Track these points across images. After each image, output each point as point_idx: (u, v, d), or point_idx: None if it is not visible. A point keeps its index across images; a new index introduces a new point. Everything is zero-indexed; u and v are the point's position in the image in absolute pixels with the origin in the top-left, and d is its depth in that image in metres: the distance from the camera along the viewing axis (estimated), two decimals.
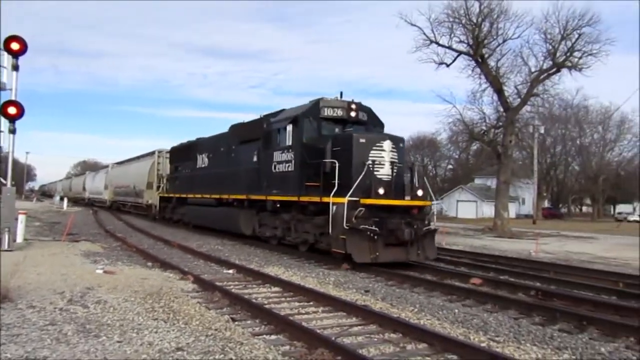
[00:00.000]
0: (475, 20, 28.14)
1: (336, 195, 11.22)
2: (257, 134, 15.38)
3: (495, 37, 28.50)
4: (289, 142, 13.48)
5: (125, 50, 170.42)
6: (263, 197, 14.61)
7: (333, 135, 12.92)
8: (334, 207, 11.27)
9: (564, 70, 28.11)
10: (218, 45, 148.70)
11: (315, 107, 13.36)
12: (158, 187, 27.47)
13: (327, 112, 13.29)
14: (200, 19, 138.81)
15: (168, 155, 26.76)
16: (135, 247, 14.52)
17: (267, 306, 7.35)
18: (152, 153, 31.03)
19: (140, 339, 5.44)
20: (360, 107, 13.74)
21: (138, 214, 32.70)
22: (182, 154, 23.60)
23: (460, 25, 28.51)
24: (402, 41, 55.07)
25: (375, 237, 10.89)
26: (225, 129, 23.65)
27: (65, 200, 47.97)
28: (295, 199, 12.92)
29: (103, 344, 5.27)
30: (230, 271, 10.87)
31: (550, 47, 28.04)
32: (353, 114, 13.45)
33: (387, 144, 11.97)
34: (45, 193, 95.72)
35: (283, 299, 8.18)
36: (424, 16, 29.52)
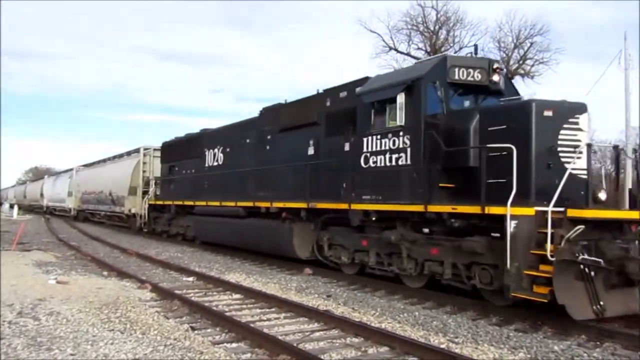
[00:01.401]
0: (432, 28, 28.93)
1: (516, 202, 7.01)
2: (311, 117, 11.40)
3: (451, 44, 29.38)
4: (400, 120, 8.74)
5: (80, 53, 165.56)
6: (344, 206, 9.91)
7: (485, 108, 8.79)
8: (514, 224, 7.00)
9: (517, 78, 29.18)
10: (178, 49, 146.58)
11: (440, 67, 8.93)
12: (144, 193, 22.03)
13: (459, 75, 8.94)
14: (160, 21, 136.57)
15: (158, 153, 22.26)
16: (90, 256, 14.07)
17: (228, 314, 7.26)
18: (136, 151, 25.58)
19: (95, 351, 5.26)
20: (501, 70, 9.42)
21: (114, 225, 27.20)
22: (179, 151, 18.82)
23: (418, 32, 29.25)
24: (363, 47, 55.90)
25: (593, 273, 6.70)
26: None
27: (16, 208, 45.80)
28: (418, 208, 8.40)
29: (55, 357, 5.08)
30: (190, 279, 10.68)
31: (504, 55, 29.09)
32: (496, 78, 9.08)
33: (583, 120, 7.69)
34: None
35: (244, 306, 8.09)
36: (383, 23, 30.03)
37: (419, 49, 29.67)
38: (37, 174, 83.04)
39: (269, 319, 7.17)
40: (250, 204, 13.15)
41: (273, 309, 7.76)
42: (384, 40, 29.35)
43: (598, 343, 6.21)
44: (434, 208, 8.18)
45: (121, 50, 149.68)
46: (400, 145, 8.92)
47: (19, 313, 6.84)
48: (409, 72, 9.61)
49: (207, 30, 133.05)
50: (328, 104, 11.08)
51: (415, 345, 5.66)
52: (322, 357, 5.34)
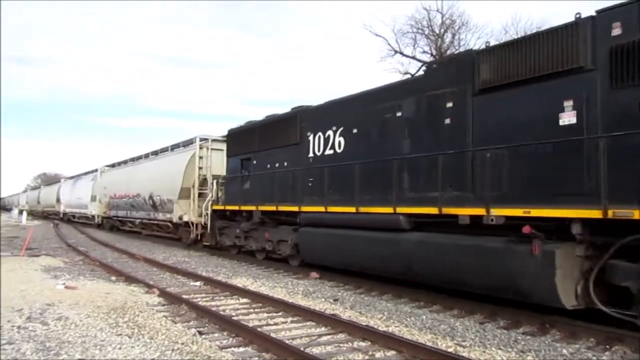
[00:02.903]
0: (437, 32, 28.93)
1: None
2: (569, 59, 6.91)
3: (457, 47, 29.31)
4: None
5: (85, 59, 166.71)
6: None
7: None
8: None
9: None
10: (183, 53, 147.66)
11: None
12: (200, 195, 17.79)
13: None
14: (165, 26, 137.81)
15: (217, 145, 18.13)
16: (98, 261, 14.14)
17: (235, 318, 7.28)
18: (188, 143, 20.51)
19: (103, 356, 5.29)
20: None
21: (152, 235, 22.97)
22: (259, 138, 14.16)
23: (424, 36, 29.26)
24: (369, 52, 55.99)
25: None
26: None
27: (25, 213, 45.97)
28: None
29: None
30: (197, 283, 10.71)
31: None
32: None
33: None
34: (5, 207, 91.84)
35: (251, 310, 8.10)
36: (388, 27, 30.17)
37: (424, 52, 29.75)
38: (46, 180, 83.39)
39: (276, 323, 7.17)
40: (430, 210, 8.30)
41: (280, 313, 7.76)
42: (389, 44, 29.45)
43: (607, 346, 6.16)
44: None
45: (126, 55, 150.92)
46: None
47: (27, 318, 6.89)
48: None
49: (212, 34, 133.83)
50: (617, 32, 6.55)
51: (423, 349, 5.64)
52: None
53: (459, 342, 6.26)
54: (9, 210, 69.77)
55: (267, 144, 13.71)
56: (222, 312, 7.66)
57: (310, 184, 11.63)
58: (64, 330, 6.30)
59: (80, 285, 9.96)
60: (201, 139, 18.78)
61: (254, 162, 14.36)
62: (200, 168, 18.30)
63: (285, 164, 12.83)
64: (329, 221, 10.68)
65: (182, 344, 5.86)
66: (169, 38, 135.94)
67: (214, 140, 18.42)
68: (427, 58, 29.53)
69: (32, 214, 54.82)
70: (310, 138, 11.93)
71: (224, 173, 16.56)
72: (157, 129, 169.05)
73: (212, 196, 16.43)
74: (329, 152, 11.36)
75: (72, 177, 43.81)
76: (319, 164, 11.45)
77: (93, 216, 31.80)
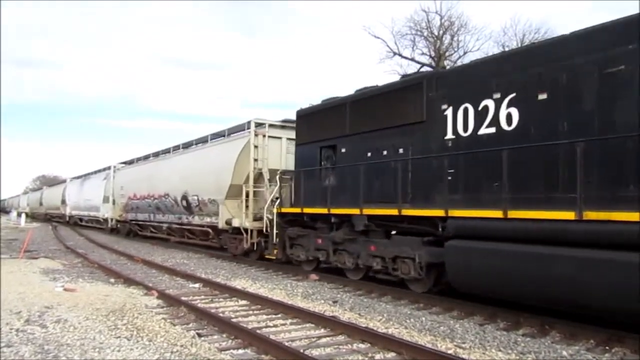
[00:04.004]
0: (436, 33, 29.00)
1: None
2: None
3: (456, 49, 29.43)
4: None
5: (83, 59, 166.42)
6: None
7: None
8: None
9: None
10: (183, 55, 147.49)
11: None
12: (255, 195, 14.33)
13: None
14: (164, 27, 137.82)
15: (275, 132, 14.66)
16: (97, 263, 14.12)
17: (234, 320, 7.26)
18: (236, 130, 16.39)
19: (102, 358, 5.28)
20: None
21: (182, 243, 19.56)
22: (351, 117, 10.73)
23: (422, 38, 29.33)
24: (368, 53, 56.09)
25: None
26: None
27: (23, 215, 45.80)
28: None
29: None
30: (196, 285, 10.69)
31: None
32: None
33: None
34: (4, 209, 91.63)
35: (250, 312, 8.09)
36: (387, 29, 30.25)
37: (423, 54, 29.84)
38: (45, 182, 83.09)
39: (275, 325, 7.16)
40: None
41: (279, 315, 7.75)
42: (388, 46, 29.55)
43: (607, 348, 6.16)
44: None
45: (126, 56, 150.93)
46: None
47: (26, 320, 6.87)
48: None
49: (212, 34, 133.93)
50: None
51: (423, 350, 5.63)
52: None
53: (459, 343, 6.25)
54: (7, 212, 69.55)
55: (366, 125, 10.31)
56: (221, 314, 7.65)
57: (450, 178, 8.36)
58: (62, 333, 6.28)
59: (79, 287, 9.95)
60: (257, 124, 14.78)
61: (342, 150, 10.96)
62: (255, 160, 14.44)
63: (401, 150, 9.43)
64: (514, 233, 7.07)
65: (181, 346, 5.85)
66: (168, 39, 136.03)
67: (272, 126, 14.73)
68: (425, 60, 29.62)
69: (34, 217, 54.52)
70: (448, 112, 8.59)
71: (281, 166, 13.91)
72: (157, 130, 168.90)
73: (275, 195, 12.98)
74: (486, 130, 7.97)
75: (79, 177, 38.38)
76: (467, 147, 8.16)
77: (105, 219, 27.97)
